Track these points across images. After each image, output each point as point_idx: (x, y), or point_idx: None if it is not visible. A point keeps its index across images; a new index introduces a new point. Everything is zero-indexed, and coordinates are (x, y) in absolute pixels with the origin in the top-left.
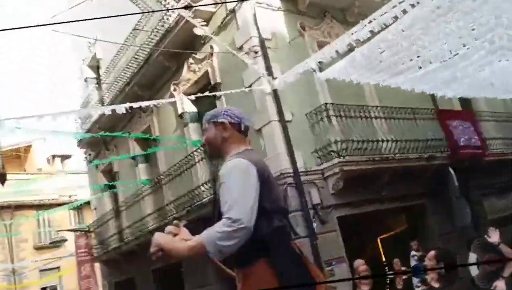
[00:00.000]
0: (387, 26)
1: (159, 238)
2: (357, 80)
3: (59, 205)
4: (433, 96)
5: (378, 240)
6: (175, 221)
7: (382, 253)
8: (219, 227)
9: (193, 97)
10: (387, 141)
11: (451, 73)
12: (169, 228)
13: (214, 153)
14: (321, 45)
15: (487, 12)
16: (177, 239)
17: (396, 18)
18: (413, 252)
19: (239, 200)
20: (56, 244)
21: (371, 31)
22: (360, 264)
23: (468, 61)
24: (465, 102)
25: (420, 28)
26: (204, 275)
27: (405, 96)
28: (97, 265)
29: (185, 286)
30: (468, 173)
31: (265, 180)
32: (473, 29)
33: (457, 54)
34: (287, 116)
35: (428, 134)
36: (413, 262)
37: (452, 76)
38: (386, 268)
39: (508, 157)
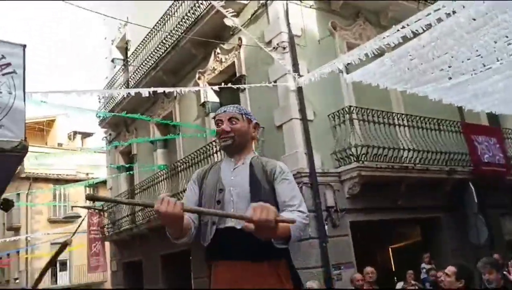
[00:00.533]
0: (419, 33)
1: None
2: (384, 85)
3: (76, 181)
4: (460, 109)
5: (390, 249)
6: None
7: (392, 262)
8: (299, 217)
9: (217, 87)
10: (409, 150)
11: (482, 86)
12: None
13: (239, 145)
14: (350, 47)
15: None
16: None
17: (430, 26)
18: (423, 265)
19: (299, 197)
20: (70, 219)
21: (403, 37)
22: (368, 271)
23: (500, 76)
24: (493, 118)
25: (453, 39)
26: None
27: (432, 106)
28: (107, 244)
29: (192, 275)
30: (489, 191)
31: None
32: (509, 44)
33: (490, 68)
34: (309, 115)
35: (452, 147)
36: (423, 275)
37: (482, 90)
38: (395, 278)
39: None
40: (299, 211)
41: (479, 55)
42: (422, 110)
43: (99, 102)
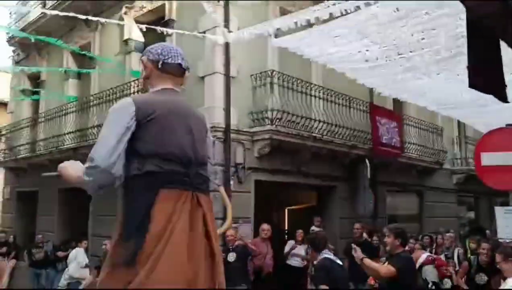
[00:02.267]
0: (348, 13)
1: (66, 162)
2: (307, 56)
3: None
4: (371, 91)
5: (286, 210)
6: None
7: (286, 222)
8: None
9: (143, 27)
10: (319, 121)
11: (393, 73)
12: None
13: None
14: (283, 12)
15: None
16: (80, 167)
17: (358, 7)
18: (313, 227)
19: (101, 139)
20: None
21: (331, 14)
22: (264, 228)
23: (410, 66)
24: (397, 103)
25: (376, 24)
26: (113, 205)
27: (346, 84)
28: (1, 170)
29: (90, 212)
30: (381, 169)
31: (148, 120)
32: (423, 38)
33: (404, 57)
34: (233, 72)
35: (357, 124)
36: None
37: (392, 76)
38: (286, 237)
39: (419, 163)
40: (88, 159)
41: (395, 44)
42: (338, 86)
43: (10, 17)
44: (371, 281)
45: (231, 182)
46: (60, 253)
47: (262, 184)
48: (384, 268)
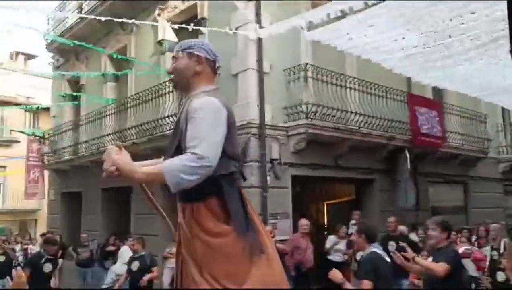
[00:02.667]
0: (381, 1)
1: (114, 155)
2: (341, 48)
3: (15, 104)
4: (408, 80)
5: (325, 205)
6: (117, 143)
7: (326, 217)
8: (184, 160)
9: (176, 26)
10: (356, 113)
11: (432, 61)
12: (111, 148)
13: (181, 84)
14: (315, 5)
15: (476, 8)
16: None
17: None
18: (353, 221)
19: (209, 138)
20: (7, 143)
21: (365, 3)
22: (303, 224)
23: (450, 52)
24: (437, 91)
25: (412, 11)
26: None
27: (382, 74)
28: (46, 173)
29: (131, 211)
30: (422, 160)
31: (231, 124)
32: (462, 23)
33: (442, 43)
34: (266, 68)
35: (395, 115)
36: (352, 230)
37: (431, 64)
38: (326, 232)
39: (462, 153)
40: (191, 152)
41: (434, 30)
42: (373, 77)
43: (48, 23)
44: (412, 278)
45: (268, 178)
46: (110, 247)
47: (299, 179)
48: (440, 266)
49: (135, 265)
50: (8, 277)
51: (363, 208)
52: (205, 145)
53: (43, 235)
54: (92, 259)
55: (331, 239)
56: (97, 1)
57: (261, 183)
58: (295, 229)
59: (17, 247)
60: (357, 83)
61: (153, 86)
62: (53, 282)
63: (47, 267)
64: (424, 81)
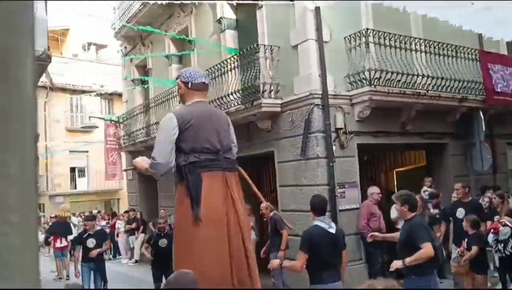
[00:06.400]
0: None
1: (136, 158)
2: (405, 8)
3: (91, 92)
4: (480, 36)
5: (394, 173)
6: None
7: (395, 185)
8: (150, 160)
9: (234, 2)
10: (423, 76)
11: (504, 14)
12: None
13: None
14: None
15: None
16: (147, 161)
17: None
18: (425, 188)
19: (157, 145)
20: (87, 129)
21: None
22: (375, 191)
23: None
24: None
25: None
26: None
27: (451, 32)
28: (123, 154)
29: None
30: (498, 120)
31: (188, 127)
32: None
33: None
34: (325, 37)
35: (467, 75)
36: (424, 197)
37: (504, 17)
38: None
39: None
40: (152, 156)
41: None
42: (441, 36)
43: (114, 13)
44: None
45: (333, 148)
46: None
47: (366, 147)
48: (425, 253)
49: None
50: None
51: (435, 174)
52: (155, 150)
53: (125, 212)
54: (171, 233)
55: (393, 209)
56: None
57: (326, 153)
58: (364, 198)
59: (103, 223)
60: (423, 44)
61: (215, 65)
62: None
63: (91, 242)
64: (497, 35)
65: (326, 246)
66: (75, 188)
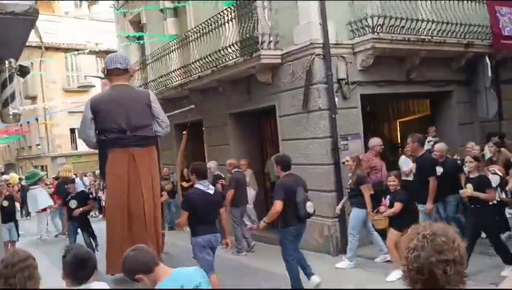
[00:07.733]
0: None
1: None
2: None
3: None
4: None
5: (397, 123)
6: None
7: (399, 135)
8: None
9: None
10: (427, 21)
11: None
12: None
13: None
14: None
15: None
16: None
17: None
18: (429, 138)
19: (81, 124)
20: (84, 88)
21: None
22: (376, 143)
23: None
24: None
25: None
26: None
27: None
28: None
29: (205, 143)
30: (505, 66)
31: (99, 110)
32: None
33: None
34: None
35: (473, 19)
36: (427, 147)
37: None
38: (400, 150)
39: None
40: None
41: None
42: None
43: None
44: None
45: (336, 99)
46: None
47: (369, 98)
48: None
49: None
50: (12, 222)
51: (440, 123)
52: (80, 128)
53: None
54: (174, 191)
55: (402, 160)
56: None
57: (329, 105)
58: (367, 149)
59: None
60: None
61: (211, 17)
62: None
63: (73, 203)
64: None
65: (204, 205)
66: (76, 149)
